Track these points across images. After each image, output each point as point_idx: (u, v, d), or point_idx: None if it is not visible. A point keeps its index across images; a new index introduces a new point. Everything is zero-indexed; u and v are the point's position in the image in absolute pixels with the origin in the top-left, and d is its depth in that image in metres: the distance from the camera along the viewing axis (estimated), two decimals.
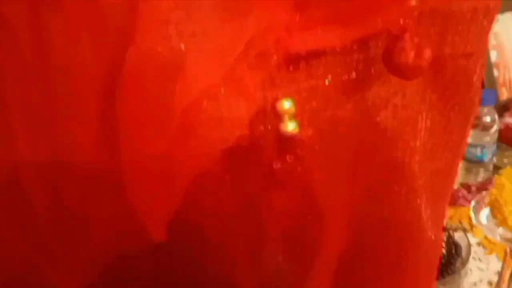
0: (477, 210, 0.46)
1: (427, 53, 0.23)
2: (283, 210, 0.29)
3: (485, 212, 0.46)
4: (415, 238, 0.37)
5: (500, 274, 0.51)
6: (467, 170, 0.85)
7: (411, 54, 0.23)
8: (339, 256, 0.36)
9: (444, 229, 0.41)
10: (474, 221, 0.46)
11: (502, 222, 0.42)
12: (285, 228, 0.31)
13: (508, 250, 0.47)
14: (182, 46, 0.20)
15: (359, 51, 0.26)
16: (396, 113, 0.31)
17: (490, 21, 0.28)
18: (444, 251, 0.66)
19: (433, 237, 0.38)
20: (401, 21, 0.22)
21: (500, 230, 0.44)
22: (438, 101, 0.32)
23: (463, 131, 0.34)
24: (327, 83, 0.27)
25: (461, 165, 0.87)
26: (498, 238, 0.45)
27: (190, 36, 0.21)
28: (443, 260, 0.65)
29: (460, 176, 0.86)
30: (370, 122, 0.31)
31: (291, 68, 0.24)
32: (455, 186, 0.83)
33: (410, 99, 0.31)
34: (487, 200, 0.45)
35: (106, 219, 0.20)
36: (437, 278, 0.61)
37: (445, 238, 0.68)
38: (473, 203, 0.48)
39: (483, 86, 0.33)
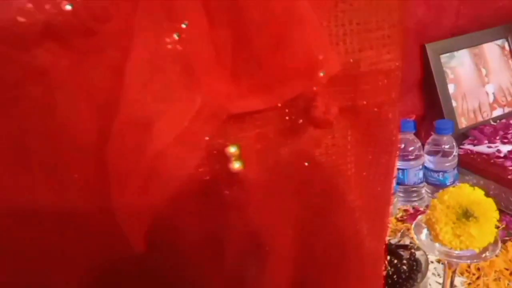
0: (418, 230, 0.54)
1: (334, 110, 0.32)
2: (238, 229, 0.37)
3: (424, 232, 0.54)
4: (357, 250, 0.45)
5: (442, 284, 0.59)
6: (432, 194, 0.93)
7: (321, 110, 0.31)
8: (293, 263, 0.44)
9: (386, 239, 0.48)
10: (415, 239, 0.54)
11: (436, 238, 0.50)
12: (244, 244, 0.39)
13: (446, 262, 0.55)
14: (154, 109, 0.29)
15: (290, 106, 0.34)
16: (328, 150, 0.39)
17: (393, 79, 0.37)
18: (405, 267, 0.73)
19: (373, 248, 0.46)
20: (314, 88, 0.31)
21: (437, 245, 0.52)
22: (362, 140, 0.40)
23: (388, 162, 0.43)
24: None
25: (425, 188, 0.95)
26: (436, 253, 0.52)
27: (160, 102, 0.29)
28: (404, 275, 0.72)
29: (425, 199, 0.94)
30: (308, 158, 0.39)
31: (237, 121, 0.33)
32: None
33: (338, 139, 0.39)
34: (424, 220, 0.53)
35: (98, 231, 0.28)
36: None
37: (408, 256, 0.76)
38: (414, 223, 0.55)
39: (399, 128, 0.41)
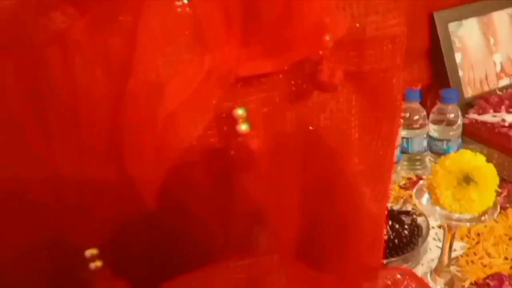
0: (419, 195, 0.56)
1: (339, 74, 0.33)
2: (246, 190, 0.39)
3: (426, 196, 0.55)
4: (359, 213, 0.47)
5: (442, 247, 0.61)
6: (435, 162, 0.94)
7: (327, 74, 0.32)
8: (298, 228, 0.46)
9: (387, 205, 0.50)
10: (417, 203, 0.56)
11: (436, 202, 0.51)
12: (250, 204, 0.40)
13: (445, 226, 0.56)
14: (165, 72, 0.30)
15: (296, 71, 0.35)
16: (333, 114, 0.40)
17: (398, 45, 0.38)
18: (407, 232, 0.75)
19: (376, 209, 0.48)
20: (320, 51, 0.32)
21: (438, 209, 0.54)
22: (366, 105, 0.41)
23: (391, 127, 0.44)
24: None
25: (429, 157, 0.96)
26: (436, 217, 0.54)
27: (170, 65, 0.30)
28: (405, 240, 0.74)
29: (429, 168, 0.95)
30: (313, 122, 0.40)
31: (245, 84, 0.34)
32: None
33: (343, 104, 0.40)
34: (425, 185, 0.54)
35: (113, 188, 0.30)
36: (398, 254, 0.70)
37: (409, 221, 0.78)
38: (415, 188, 0.57)
39: (403, 96, 0.42)
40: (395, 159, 0.48)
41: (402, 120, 0.84)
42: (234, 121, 0.33)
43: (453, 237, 0.59)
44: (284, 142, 0.39)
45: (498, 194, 0.52)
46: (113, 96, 0.29)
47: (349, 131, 0.42)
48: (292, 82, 0.36)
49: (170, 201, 0.34)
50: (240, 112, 0.32)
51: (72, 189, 0.32)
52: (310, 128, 0.40)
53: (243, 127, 0.32)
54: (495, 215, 0.52)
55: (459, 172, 0.51)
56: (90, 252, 0.31)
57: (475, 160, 0.51)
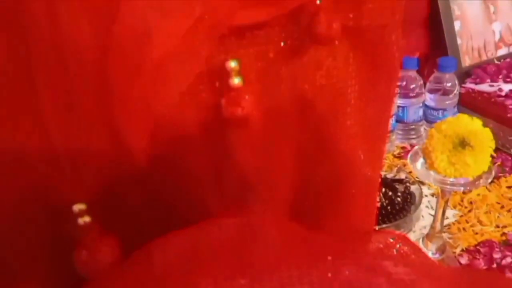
0: (414, 159, 0.55)
1: (336, 25, 0.31)
2: (239, 148, 0.38)
3: (420, 161, 0.55)
4: (353, 177, 0.46)
5: (435, 213, 0.61)
6: None
7: (324, 26, 0.31)
8: (291, 188, 0.45)
9: (381, 168, 0.50)
10: (411, 167, 0.55)
11: (431, 166, 0.51)
12: (243, 163, 0.40)
13: (439, 192, 0.56)
14: (152, 19, 0.28)
15: (292, 23, 0.34)
16: (329, 72, 0.39)
17: (397, 0, 0.36)
18: (400, 199, 0.75)
19: (369, 173, 0.47)
20: (317, 1, 0.30)
21: (432, 173, 0.53)
22: (364, 63, 0.40)
23: (388, 88, 0.43)
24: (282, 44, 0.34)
25: (424, 126, 0.95)
26: (431, 181, 0.54)
27: (158, 12, 0.29)
28: (398, 207, 0.74)
29: (423, 137, 0.95)
30: (308, 80, 0.39)
31: (238, 37, 0.32)
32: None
33: (339, 62, 0.39)
34: (420, 149, 0.53)
35: (102, 142, 0.29)
36: (390, 221, 0.71)
37: (402, 189, 0.78)
38: (410, 153, 0.56)
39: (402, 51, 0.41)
40: (390, 125, 0.47)
41: (398, 88, 0.83)
42: (226, 75, 0.32)
43: (446, 203, 0.59)
44: (278, 100, 0.38)
45: (493, 160, 0.52)
46: (99, 45, 0.28)
47: (346, 90, 0.40)
48: (288, 36, 0.35)
49: (161, 157, 0.33)
50: (233, 64, 0.31)
51: (59, 144, 0.31)
52: (306, 87, 0.39)
53: (236, 81, 0.31)
54: (490, 180, 0.52)
55: (455, 136, 0.50)
56: (78, 207, 0.31)
57: (471, 124, 0.51)
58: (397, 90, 0.74)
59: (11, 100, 0.30)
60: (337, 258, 0.29)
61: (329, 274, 0.27)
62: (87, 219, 0.31)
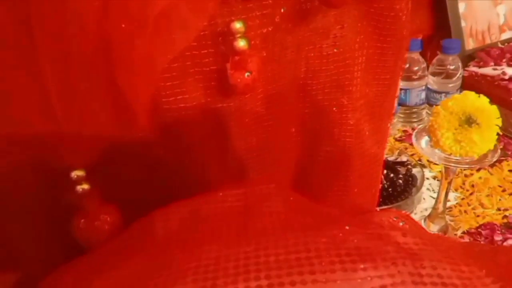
0: (419, 137, 0.54)
1: None
2: (243, 119, 0.37)
3: (425, 139, 0.54)
4: (358, 150, 0.45)
5: (438, 193, 0.60)
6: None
7: None
8: (295, 162, 0.44)
9: (386, 145, 0.49)
10: (415, 145, 0.54)
11: (436, 144, 0.50)
12: (246, 135, 0.39)
13: (443, 172, 0.55)
14: None
15: None
16: (336, 41, 0.38)
17: None
18: (401, 181, 0.75)
19: (374, 150, 0.46)
20: None
21: (437, 151, 0.52)
22: (372, 32, 0.39)
23: (396, 59, 0.42)
24: (282, 10, 0.33)
25: (426, 110, 0.94)
26: (436, 159, 0.53)
27: None
28: (400, 188, 0.74)
29: (425, 121, 0.94)
30: (315, 48, 0.38)
31: None
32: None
33: (347, 30, 0.38)
34: (426, 127, 0.52)
35: (102, 105, 0.28)
36: (391, 202, 0.70)
37: (404, 171, 0.77)
38: (415, 131, 0.55)
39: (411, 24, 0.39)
40: (396, 100, 0.46)
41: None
42: (231, 38, 0.31)
43: (449, 184, 0.58)
44: (283, 68, 0.37)
45: (499, 139, 0.51)
46: (101, 3, 0.26)
47: (353, 60, 0.39)
48: (296, 0, 0.33)
49: (162, 127, 0.32)
50: (238, 25, 0.29)
51: (59, 108, 0.30)
52: (312, 55, 0.38)
53: (241, 43, 0.30)
54: (496, 158, 0.51)
55: (462, 113, 0.49)
56: (76, 173, 0.30)
57: (478, 102, 0.50)
58: (406, 61, 0.73)
59: (9, 57, 0.29)
60: (344, 227, 0.28)
61: (336, 241, 0.26)
62: (85, 186, 0.30)
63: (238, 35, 0.30)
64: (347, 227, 0.27)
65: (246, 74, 0.30)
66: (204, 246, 0.27)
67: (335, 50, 0.38)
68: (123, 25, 0.25)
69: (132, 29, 0.25)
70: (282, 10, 0.33)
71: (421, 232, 0.42)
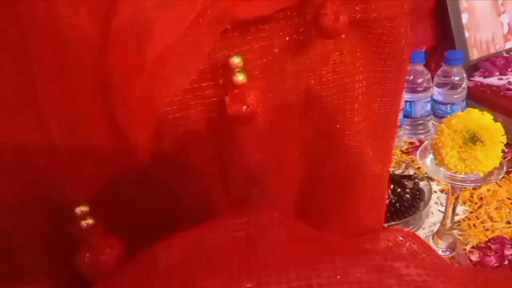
0: (423, 155, 0.54)
1: (343, 18, 0.30)
2: (244, 146, 0.37)
3: (430, 157, 0.54)
4: (361, 173, 0.45)
5: (445, 209, 0.60)
6: None
7: (331, 19, 0.30)
8: (298, 186, 0.44)
9: (390, 164, 0.48)
10: (420, 163, 0.54)
11: (441, 162, 0.50)
12: (248, 161, 0.39)
13: (449, 188, 0.55)
14: (153, 10, 0.27)
15: (298, 17, 0.33)
16: (335, 67, 0.38)
17: None
18: (408, 196, 0.74)
19: (378, 170, 0.46)
20: None
21: (442, 170, 0.52)
22: (371, 57, 0.39)
23: (396, 83, 0.42)
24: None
25: (432, 121, 0.94)
26: (441, 177, 0.53)
27: (159, 4, 0.28)
28: (407, 203, 0.73)
29: (432, 132, 0.93)
30: (314, 75, 0.38)
31: (242, 32, 0.32)
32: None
33: (346, 55, 0.38)
34: (430, 145, 0.52)
35: (103, 140, 0.28)
36: (399, 218, 0.69)
37: (411, 185, 0.77)
38: (420, 149, 0.55)
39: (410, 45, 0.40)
40: (399, 120, 0.46)
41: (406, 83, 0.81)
42: (230, 71, 0.31)
43: (456, 200, 0.58)
44: (283, 96, 0.37)
45: (504, 155, 0.50)
46: (99, 38, 0.27)
47: (353, 85, 0.39)
48: (293, 30, 0.34)
49: (164, 154, 0.32)
50: (236, 60, 0.30)
51: (59, 140, 0.30)
52: (312, 82, 0.38)
53: (240, 78, 0.30)
54: (502, 175, 0.50)
55: (466, 131, 0.49)
56: (80, 209, 0.30)
57: (482, 119, 0.49)
58: (407, 81, 0.73)
59: (9, 95, 0.29)
60: (347, 259, 0.28)
61: (338, 276, 0.26)
62: (90, 221, 0.30)
63: (237, 70, 0.30)
64: (349, 260, 0.27)
65: (244, 106, 0.30)
66: (206, 281, 0.27)
67: (335, 76, 0.38)
68: (121, 64, 0.25)
69: (130, 69, 0.26)
70: (287, 39, 0.34)
71: (426, 256, 0.41)
